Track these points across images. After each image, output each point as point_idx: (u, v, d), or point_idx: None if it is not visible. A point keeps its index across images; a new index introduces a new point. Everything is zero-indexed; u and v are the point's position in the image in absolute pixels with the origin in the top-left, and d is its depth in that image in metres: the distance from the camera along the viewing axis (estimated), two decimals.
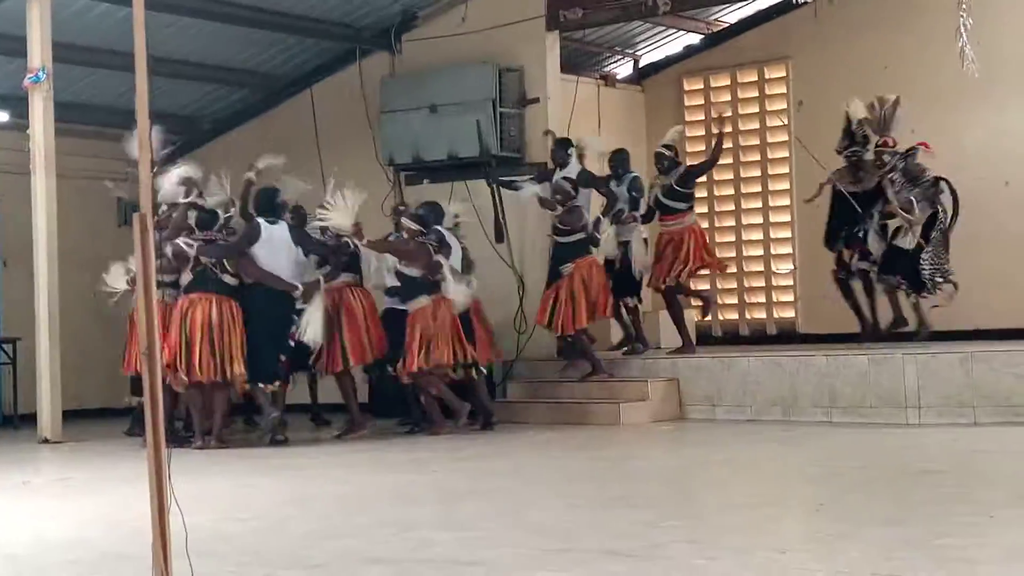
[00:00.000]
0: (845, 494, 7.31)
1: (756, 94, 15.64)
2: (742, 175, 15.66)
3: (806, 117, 15.11)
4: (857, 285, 12.89)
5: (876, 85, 14.58)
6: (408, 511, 7.20)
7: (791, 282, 15.30)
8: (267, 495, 8.19)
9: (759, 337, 15.26)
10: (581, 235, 12.08)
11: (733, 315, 15.75)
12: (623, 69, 16.53)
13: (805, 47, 15.20)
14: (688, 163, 13.15)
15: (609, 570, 5.25)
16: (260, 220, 11.01)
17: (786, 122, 14.83)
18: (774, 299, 15.46)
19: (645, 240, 12.69)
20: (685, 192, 12.62)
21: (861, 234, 12.61)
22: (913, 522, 6.18)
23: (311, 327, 10.90)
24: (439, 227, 11.53)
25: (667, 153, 12.72)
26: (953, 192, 12.48)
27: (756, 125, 15.59)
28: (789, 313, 15.32)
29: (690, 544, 5.77)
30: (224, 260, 10.85)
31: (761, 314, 15.54)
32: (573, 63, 15.28)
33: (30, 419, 12.81)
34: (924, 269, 12.34)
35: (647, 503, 7.25)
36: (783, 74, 15.44)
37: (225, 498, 7.97)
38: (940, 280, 12.37)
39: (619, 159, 12.92)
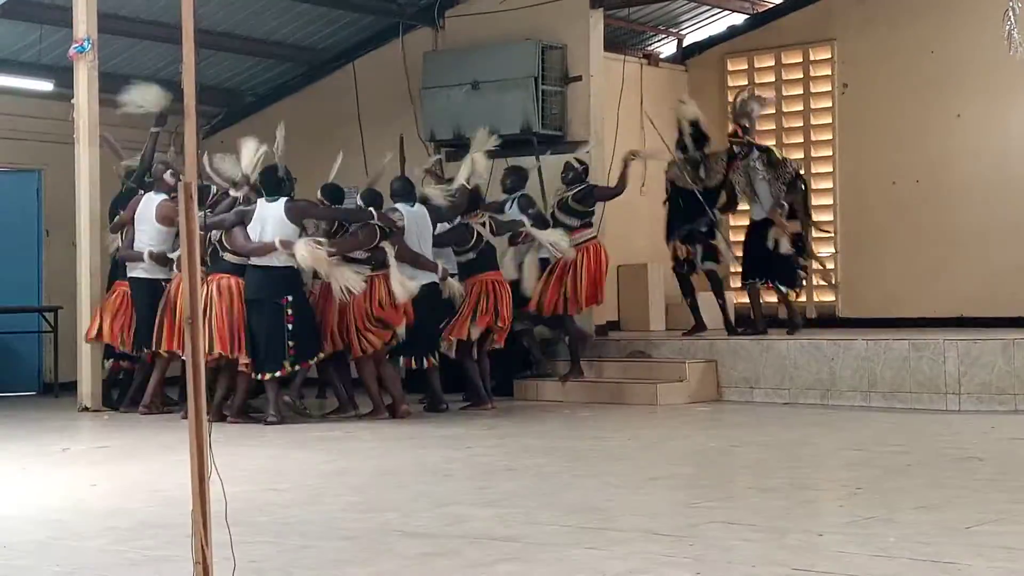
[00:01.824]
0: (883, 479, 7.27)
1: (800, 76, 15.52)
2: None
3: (851, 100, 15.02)
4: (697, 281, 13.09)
5: (922, 69, 14.51)
6: (444, 486, 7.22)
7: (832, 266, 15.20)
8: (304, 468, 8.22)
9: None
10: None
11: (772, 298, 15.66)
12: (667, 48, 16.45)
13: (850, 29, 15.08)
14: (595, 184, 12.59)
15: (645, 549, 5.24)
16: (261, 200, 10.72)
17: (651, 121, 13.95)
18: (814, 282, 15.35)
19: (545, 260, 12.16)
20: (581, 210, 12.25)
21: (704, 229, 12.62)
22: (951, 508, 6.15)
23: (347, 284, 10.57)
24: (405, 204, 11.12)
25: (576, 166, 12.35)
26: (806, 189, 12.81)
27: (800, 107, 15.47)
28: (829, 297, 15.23)
29: (726, 525, 5.76)
30: (222, 238, 10.75)
31: (801, 297, 15.43)
32: (616, 42, 15.22)
33: (70, 387, 12.91)
34: (797, 267, 12.70)
35: (684, 484, 7.24)
36: (828, 56, 15.31)
37: (261, 470, 8.01)
38: (803, 274, 12.80)
39: (509, 174, 12.47)
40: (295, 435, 9.98)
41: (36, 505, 6.83)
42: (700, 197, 12.57)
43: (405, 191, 11.31)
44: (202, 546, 3.89)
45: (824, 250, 15.18)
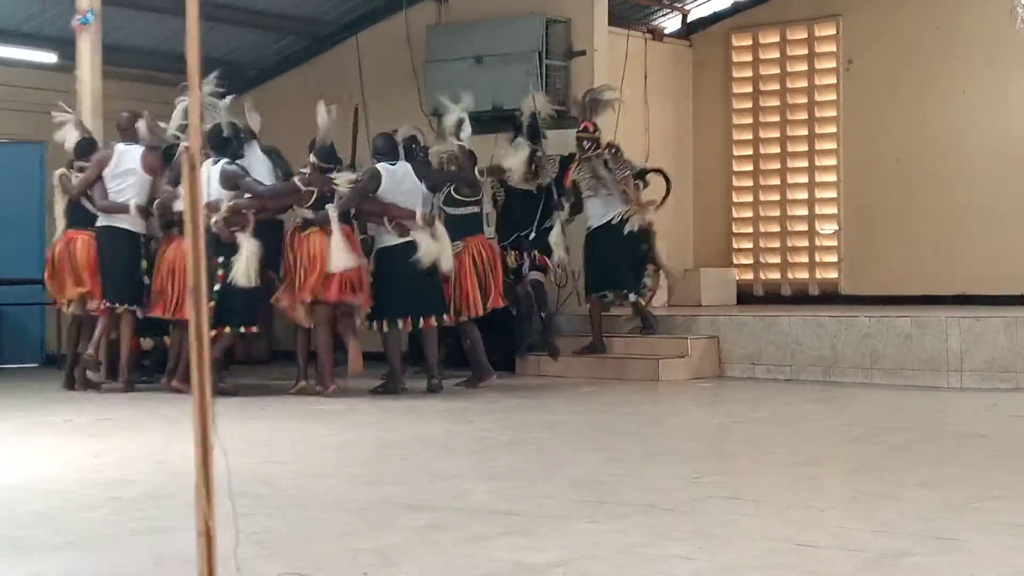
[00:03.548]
0: (884, 455, 7.29)
1: (805, 52, 15.48)
2: (788, 134, 15.54)
3: (855, 76, 14.99)
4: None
5: (927, 45, 14.47)
6: (446, 460, 7.23)
7: (835, 243, 15.21)
8: (307, 441, 8.23)
9: (801, 297, 15.21)
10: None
11: (775, 275, 15.69)
12: (671, 23, 16.39)
13: (855, 5, 15.04)
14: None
15: (646, 523, 5.25)
16: (207, 161, 10.59)
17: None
18: (817, 259, 15.37)
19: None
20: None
21: (532, 236, 12.24)
22: (952, 485, 6.16)
23: (238, 269, 10.36)
24: (387, 162, 10.80)
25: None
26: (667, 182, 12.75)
27: (804, 84, 15.44)
28: (832, 274, 15.24)
29: (728, 500, 5.77)
30: None
31: (804, 274, 15.46)
32: (621, 16, 15.17)
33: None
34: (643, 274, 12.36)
35: (685, 459, 7.25)
36: (833, 32, 15.27)
37: (264, 442, 8.01)
38: (647, 283, 12.42)
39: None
40: (297, 408, 9.99)
41: (39, 476, 6.84)
42: (530, 197, 12.23)
43: (388, 149, 10.95)
44: (205, 517, 3.89)
45: (827, 227, 15.21)
